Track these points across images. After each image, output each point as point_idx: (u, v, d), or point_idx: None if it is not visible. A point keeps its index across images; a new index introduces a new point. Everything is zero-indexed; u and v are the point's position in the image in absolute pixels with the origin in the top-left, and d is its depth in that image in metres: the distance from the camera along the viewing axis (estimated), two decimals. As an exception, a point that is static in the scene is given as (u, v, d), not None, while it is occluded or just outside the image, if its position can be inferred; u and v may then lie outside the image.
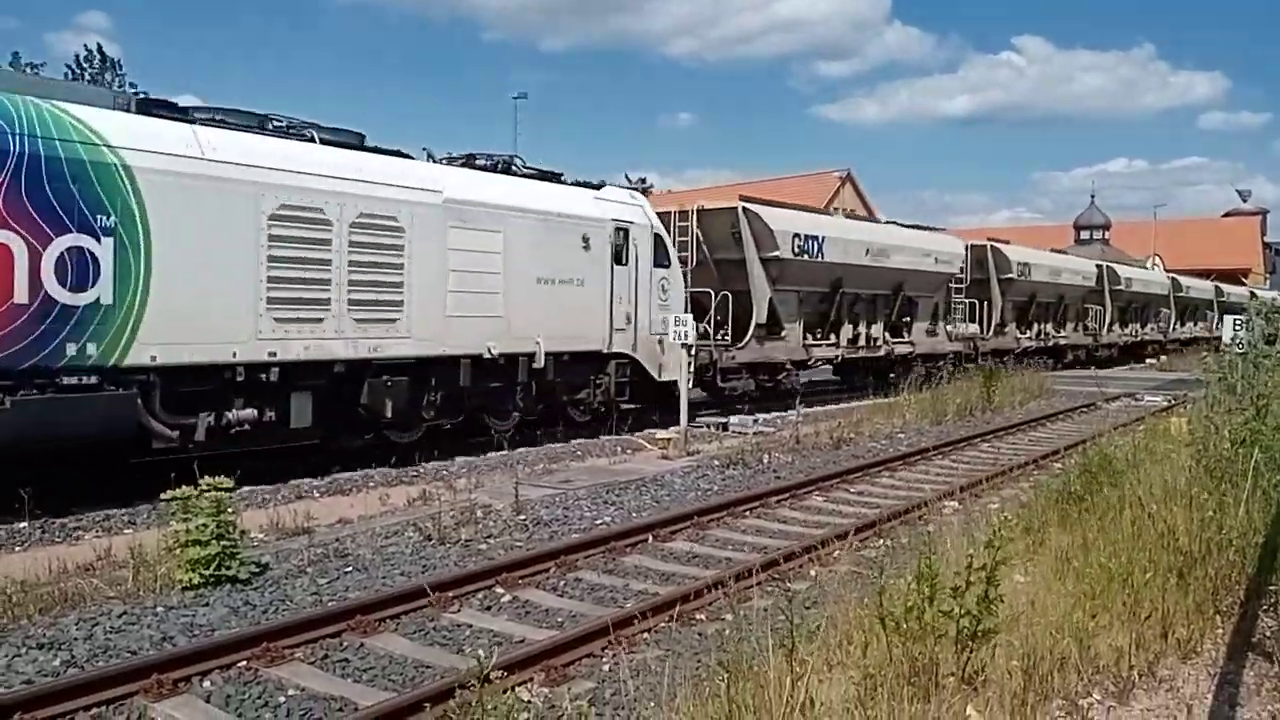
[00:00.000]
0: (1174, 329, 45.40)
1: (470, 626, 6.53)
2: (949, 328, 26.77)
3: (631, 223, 15.98)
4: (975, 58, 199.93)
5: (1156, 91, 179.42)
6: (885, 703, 4.06)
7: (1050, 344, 32.75)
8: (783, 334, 20.18)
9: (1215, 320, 49.05)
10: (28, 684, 5.35)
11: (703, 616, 6.71)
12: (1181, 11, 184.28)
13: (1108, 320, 37.70)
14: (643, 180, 29.23)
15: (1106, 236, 71.43)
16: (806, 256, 20.11)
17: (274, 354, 10.89)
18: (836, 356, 22.39)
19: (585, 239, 14.89)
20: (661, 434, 14.99)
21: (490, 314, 13.41)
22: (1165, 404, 19.91)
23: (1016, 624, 4.80)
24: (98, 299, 9.44)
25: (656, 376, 16.40)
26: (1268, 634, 5.24)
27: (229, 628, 6.34)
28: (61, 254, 9.18)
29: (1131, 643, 4.82)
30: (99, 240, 9.44)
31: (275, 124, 11.90)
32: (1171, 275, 46.38)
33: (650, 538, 8.81)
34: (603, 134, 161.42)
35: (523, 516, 9.69)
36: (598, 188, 16.14)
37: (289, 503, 10.45)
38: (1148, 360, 40.65)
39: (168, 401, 10.23)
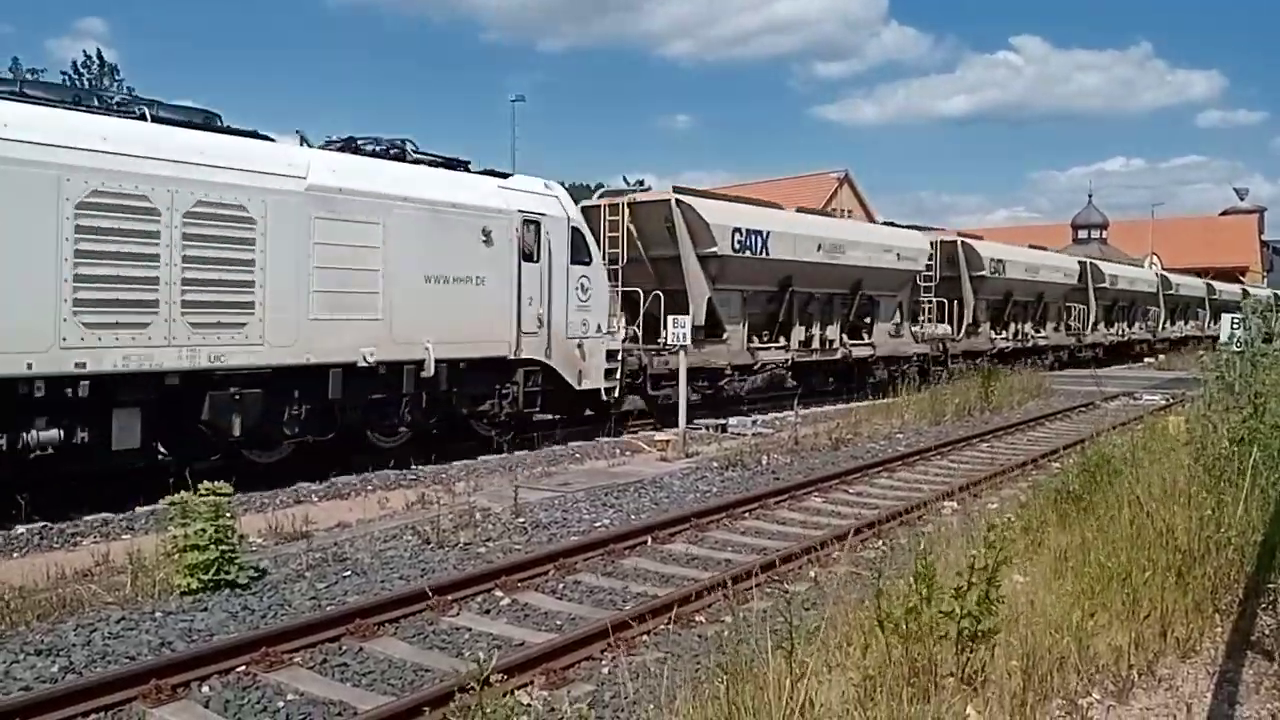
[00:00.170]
0: (1163, 328, 44.00)
1: (469, 630, 6.52)
2: (915, 328, 25.38)
3: (543, 215, 14.40)
4: (972, 58, 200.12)
5: (1154, 90, 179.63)
6: (885, 704, 4.06)
7: (1029, 345, 31.20)
8: (724, 337, 18.73)
9: (1207, 318, 47.95)
10: (26, 690, 5.34)
11: (702, 618, 6.70)
12: (1178, 10, 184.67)
13: (1092, 319, 36.33)
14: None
15: (1104, 236, 71.53)
16: (749, 253, 18.63)
17: (83, 365, 9.34)
18: (786, 360, 20.86)
19: (486, 233, 13.33)
20: (660, 436, 14.99)
21: (367, 316, 11.87)
22: (1163, 403, 19.93)
23: (1015, 624, 4.79)
24: None
25: (576, 385, 14.95)
26: (1267, 632, 5.24)
27: (228, 633, 6.34)
28: None
29: (1131, 642, 4.82)
30: None
31: (105, 101, 10.74)
32: (1160, 273, 45.01)
33: (649, 540, 8.81)
34: (600, 136, 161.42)
35: (521, 519, 9.69)
36: (504, 176, 14.51)
37: (287, 507, 10.43)
38: (1145, 359, 40.36)
39: None
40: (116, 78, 50.06)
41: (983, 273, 27.47)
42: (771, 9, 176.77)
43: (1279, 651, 4.88)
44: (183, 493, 7.44)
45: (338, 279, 11.56)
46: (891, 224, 26.68)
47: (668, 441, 14.47)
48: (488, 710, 4.02)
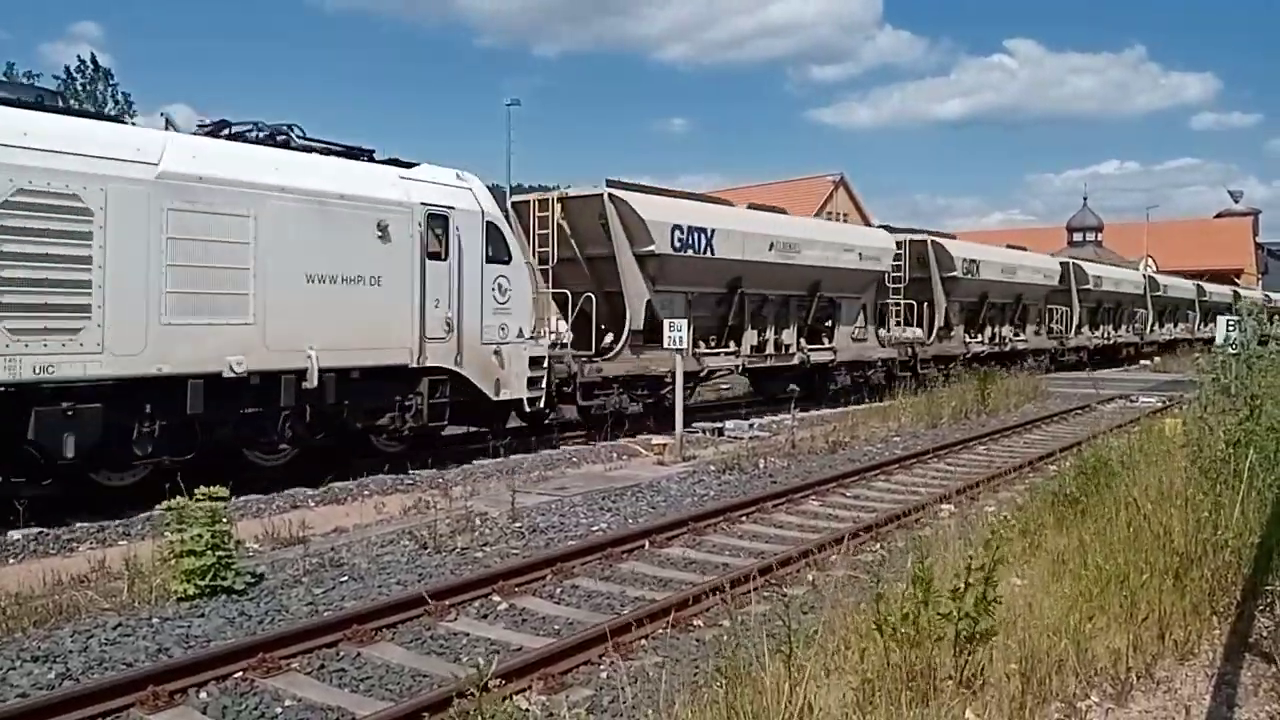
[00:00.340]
0: (1151, 330, 42.82)
1: (467, 635, 6.51)
2: (882, 332, 24.34)
3: (452, 208, 13.08)
4: (967, 61, 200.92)
5: (1148, 93, 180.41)
6: (883, 707, 4.06)
7: (1007, 348, 29.96)
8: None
9: (1198, 321, 47.35)
10: (23, 697, 5.33)
11: (700, 623, 6.70)
12: (1173, 13, 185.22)
13: (1075, 322, 35.12)
14: (782, 210, 28.63)
15: (1099, 238, 71.76)
16: (691, 252, 17.39)
17: None
18: (737, 366, 19.65)
19: (382, 227, 12.02)
20: (657, 439, 14.98)
21: (234, 321, 10.56)
22: (1160, 405, 19.95)
23: (1014, 627, 4.80)
24: None
25: (493, 394, 13.74)
26: (1264, 634, 5.24)
27: (225, 638, 6.32)
28: None
29: (1129, 644, 4.82)
30: None
31: None
32: (1147, 274, 43.99)
33: (647, 544, 8.80)
34: (597, 140, 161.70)
35: (519, 524, 9.67)
36: (408, 166, 13.14)
37: (284, 512, 10.42)
38: (1141, 362, 40.27)
39: None
40: (111, 82, 50.03)
41: (954, 273, 26.31)
42: (766, 12, 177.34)
43: (1277, 653, 4.88)
44: (179, 498, 7.44)
45: (197, 279, 10.25)
46: (888, 227, 26.13)
47: (665, 445, 14.46)
48: (486, 715, 4.02)
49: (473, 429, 15.07)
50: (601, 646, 6.01)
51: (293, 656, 5.94)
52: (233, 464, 11.09)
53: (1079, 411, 20.61)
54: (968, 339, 28.02)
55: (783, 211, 21.63)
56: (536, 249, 16.76)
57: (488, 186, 14.61)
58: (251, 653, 5.83)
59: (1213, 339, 11.54)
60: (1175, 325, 46.70)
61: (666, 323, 15.78)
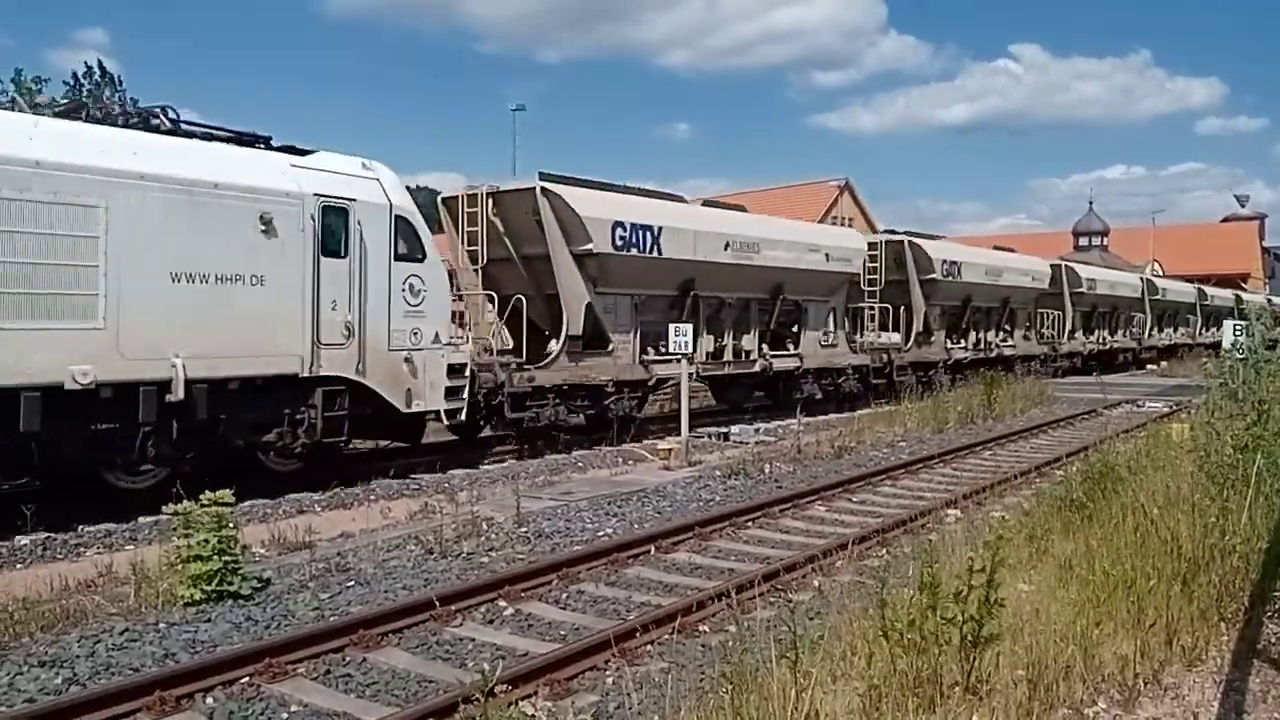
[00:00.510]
0: (1149, 335, 41.39)
1: (473, 640, 6.51)
2: (856, 337, 23.29)
3: (353, 200, 11.83)
4: (972, 66, 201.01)
5: (1153, 98, 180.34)
6: (890, 713, 4.06)
7: (993, 354, 28.61)
8: (610, 348, 16.37)
9: (1199, 325, 46.30)
10: (30, 703, 5.34)
11: (706, 628, 6.69)
12: (1178, 17, 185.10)
13: (1068, 327, 33.82)
14: (740, 207, 28.51)
15: (1105, 243, 71.62)
16: (636, 251, 16.16)
17: None
18: (691, 373, 17.84)
19: (266, 221, 10.77)
20: (663, 444, 14.96)
21: (80, 325, 9.34)
22: (1166, 410, 19.90)
23: (1021, 632, 4.79)
24: None
25: (403, 406, 12.48)
26: (1273, 640, 5.23)
27: (231, 643, 6.33)
28: None
29: (1136, 650, 4.80)
30: None
31: None
32: (1145, 277, 42.49)
33: (652, 549, 8.80)
34: (601, 145, 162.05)
35: (524, 529, 9.68)
36: (303, 154, 11.95)
37: (290, 517, 10.45)
38: (1149, 367, 39.95)
39: None
40: (119, 88, 50.25)
41: (933, 276, 25.06)
42: (770, 18, 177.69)
43: (1285, 660, 4.86)
44: (185, 503, 7.45)
45: (31, 276, 9.06)
46: (892, 232, 25.80)
47: (670, 450, 14.45)
48: (492, 721, 4.02)
49: (397, 444, 14.15)
50: (607, 652, 6.01)
51: (299, 662, 5.95)
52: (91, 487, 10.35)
53: (1085, 416, 20.55)
54: (950, 345, 26.94)
55: (741, 209, 20.67)
56: (465, 248, 15.90)
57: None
58: (258, 658, 5.83)
59: (1215, 344, 11.51)
60: (1175, 330, 45.60)
61: (672, 328, 15.66)
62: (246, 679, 5.69)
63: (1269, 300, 50.16)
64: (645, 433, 17.21)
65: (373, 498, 11.66)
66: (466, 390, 13.40)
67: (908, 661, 4.32)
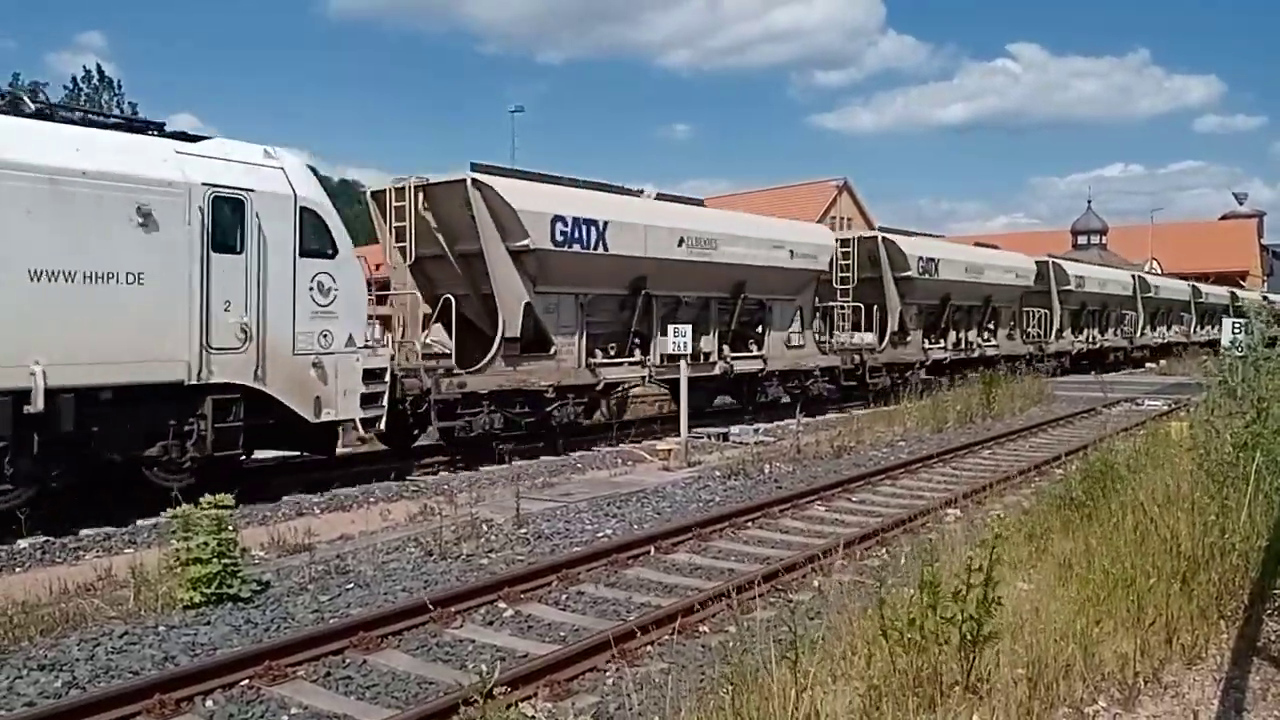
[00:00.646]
0: (1142, 334, 40.27)
1: (473, 642, 6.51)
2: (824, 338, 22.25)
3: (251, 190, 10.84)
4: (970, 65, 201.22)
5: (1152, 96, 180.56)
6: (890, 713, 4.05)
7: (974, 354, 27.54)
8: (552, 351, 15.39)
9: (1194, 323, 45.51)
10: (29, 706, 5.33)
11: (706, 628, 6.70)
12: (1176, 16, 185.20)
13: (1055, 325, 32.66)
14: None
15: (1104, 241, 71.66)
16: (579, 247, 15.19)
17: None
18: (642, 378, 17.47)
19: (144, 213, 9.81)
20: (662, 445, 14.96)
21: None
22: (1166, 408, 19.91)
23: (1020, 631, 4.79)
24: None
25: (311, 415, 11.45)
26: (1273, 638, 5.23)
27: (231, 646, 6.33)
28: None
29: (1136, 649, 4.80)
30: None
31: None
32: (1137, 274, 41.23)
33: (652, 550, 8.80)
34: (601, 146, 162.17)
35: (524, 530, 9.68)
36: (195, 140, 11.07)
37: (289, 519, 10.45)
38: (1147, 365, 39.82)
39: None
40: (117, 91, 50.29)
41: (909, 273, 24.05)
42: (769, 18, 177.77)
43: (1285, 657, 4.86)
44: (184, 506, 7.45)
45: None
46: (891, 230, 25.35)
47: (670, 450, 14.45)
48: (492, 723, 4.02)
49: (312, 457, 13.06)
50: (607, 653, 6.01)
51: (299, 664, 5.95)
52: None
53: (1084, 415, 20.57)
54: (927, 345, 25.87)
55: (698, 204, 19.67)
56: (393, 244, 15.02)
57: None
58: (258, 660, 5.83)
59: (1210, 342, 11.51)
60: (1169, 328, 44.29)
61: (671, 328, 15.59)
62: (246, 681, 5.69)
63: (1265, 297, 50.06)
64: (646, 433, 17.20)
65: (372, 500, 11.66)
66: (386, 397, 12.44)
67: (908, 661, 4.32)
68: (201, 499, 7.43)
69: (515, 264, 14.65)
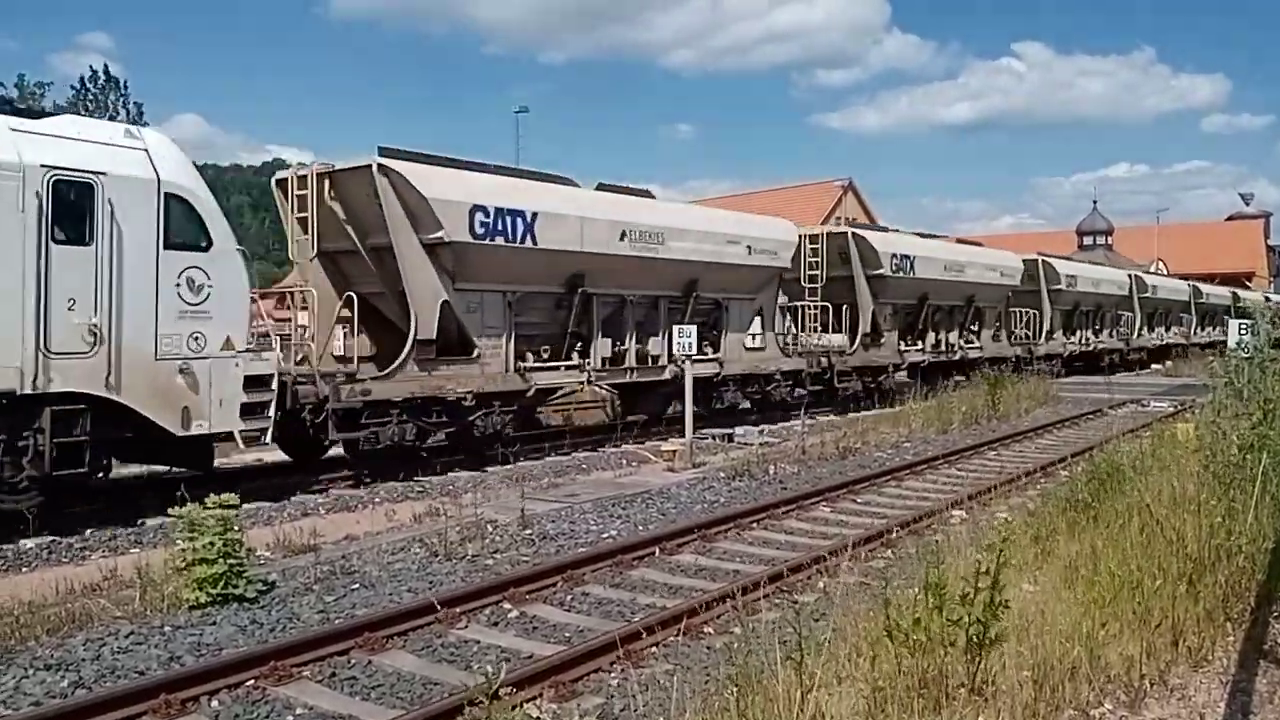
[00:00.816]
0: (1139, 335, 38.96)
1: (478, 643, 6.52)
2: (787, 340, 21.28)
3: (103, 174, 9.70)
4: (975, 64, 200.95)
5: (1158, 95, 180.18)
6: (895, 715, 4.05)
7: (956, 357, 26.37)
8: (475, 354, 14.10)
9: (1194, 324, 44.53)
10: (36, 706, 5.35)
11: (711, 630, 6.69)
12: (1182, 15, 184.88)
13: (1046, 327, 31.58)
14: (645, 192, 27.88)
15: (1109, 242, 71.49)
16: (503, 240, 13.96)
17: None
18: (581, 383, 16.13)
19: None
20: (667, 446, 14.97)
21: None
22: (1172, 410, 19.87)
23: (1026, 633, 4.78)
24: None
25: (178, 428, 10.19)
26: (1279, 641, 5.21)
27: (237, 646, 6.34)
28: None
29: (1142, 651, 4.80)
30: None
31: None
32: (1133, 273, 39.98)
33: (657, 551, 8.80)
34: (605, 146, 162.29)
35: (529, 531, 9.68)
36: (38, 116, 10.30)
37: (295, 520, 10.46)
38: (1153, 366, 39.58)
39: None
40: (123, 92, 50.38)
41: (881, 271, 22.85)
42: (772, 18, 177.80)
43: (1292, 660, 4.85)
44: (190, 506, 7.46)
45: None
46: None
47: (675, 452, 14.45)
48: (497, 724, 4.02)
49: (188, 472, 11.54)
50: (612, 654, 6.01)
51: (304, 664, 5.96)
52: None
53: (1090, 416, 20.54)
54: (903, 346, 24.63)
55: (646, 195, 18.09)
56: (297, 237, 13.77)
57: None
58: (263, 661, 5.84)
59: (1210, 344, 11.46)
60: (1167, 329, 43.03)
61: (676, 329, 15.49)
62: (252, 682, 5.70)
63: (1267, 298, 49.76)
64: (650, 434, 17.19)
65: (377, 500, 11.69)
66: (273, 407, 11.15)
67: (913, 662, 4.32)
68: (206, 499, 7.45)
69: (430, 258, 13.41)
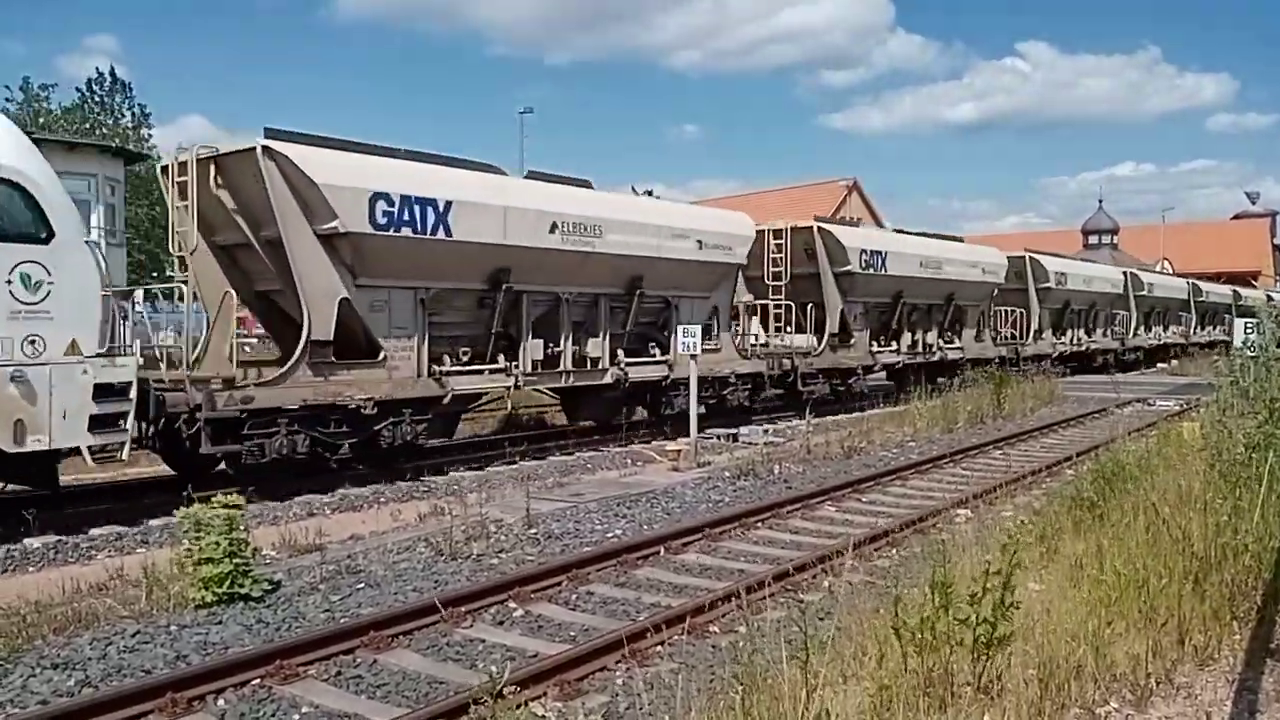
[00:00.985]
0: (1134, 335, 37.71)
1: (483, 642, 6.52)
2: (746, 342, 20.40)
3: None
4: (980, 64, 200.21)
5: (1163, 94, 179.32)
6: (901, 714, 4.05)
7: (934, 358, 25.11)
8: (381, 357, 12.76)
9: (1194, 324, 43.58)
10: (43, 704, 5.36)
11: (716, 629, 6.69)
12: (1187, 13, 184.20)
13: (1034, 326, 30.28)
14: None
15: (1115, 241, 71.38)
16: (412, 231, 12.57)
17: None
18: (507, 388, 14.85)
19: None
20: (672, 446, 14.97)
21: None
22: (1177, 408, 19.82)
23: (1032, 632, 4.78)
24: None
25: (8, 443, 8.93)
26: (1286, 639, 5.20)
27: (242, 646, 6.35)
28: None
29: (1148, 650, 4.79)
30: None
31: None
32: (1129, 271, 38.62)
33: (662, 550, 8.80)
34: (610, 147, 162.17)
35: (534, 530, 9.69)
36: None
37: (300, 520, 10.48)
38: (1159, 365, 39.32)
39: None
40: (129, 95, 50.49)
41: (849, 268, 21.52)
42: (777, 19, 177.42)
43: (1299, 659, 4.84)
44: (196, 506, 7.48)
45: None
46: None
47: (679, 451, 14.45)
48: (503, 722, 4.02)
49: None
50: (617, 653, 6.02)
51: (310, 663, 5.96)
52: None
53: (1095, 415, 20.50)
54: (876, 347, 23.33)
55: (584, 184, 16.35)
56: (176, 229, 12.22)
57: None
58: (269, 660, 5.85)
59: (1211, 343, 11.43)
60: (1165, 329, 41.52)
61: (681, 328, 15.47)
62: (258, 680, 5.70)
63: (1269, 296, 49.36)
64: (655, 434, 17.19)
65: (382, 500, 11.70)
66: (130, 419, 9.84)
67: (919, 661, 4.32)
68: (212, 499, 7.47)
69: (326, 251, 12.05)
